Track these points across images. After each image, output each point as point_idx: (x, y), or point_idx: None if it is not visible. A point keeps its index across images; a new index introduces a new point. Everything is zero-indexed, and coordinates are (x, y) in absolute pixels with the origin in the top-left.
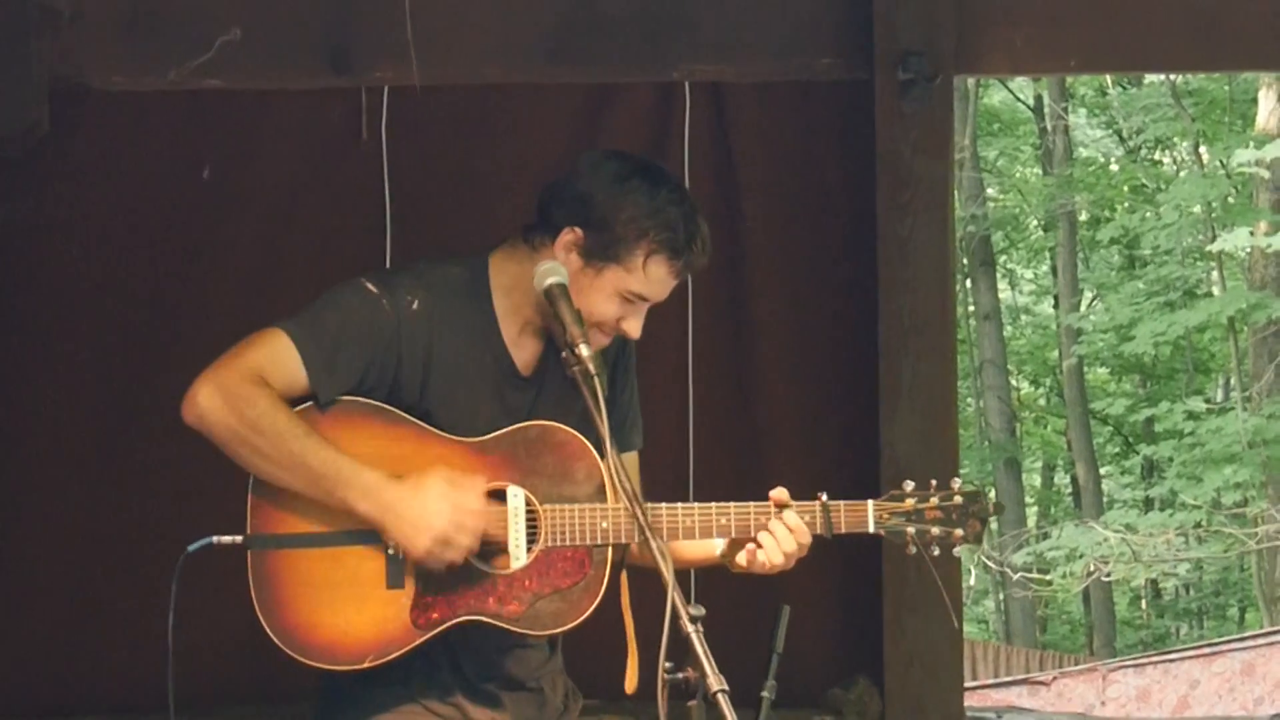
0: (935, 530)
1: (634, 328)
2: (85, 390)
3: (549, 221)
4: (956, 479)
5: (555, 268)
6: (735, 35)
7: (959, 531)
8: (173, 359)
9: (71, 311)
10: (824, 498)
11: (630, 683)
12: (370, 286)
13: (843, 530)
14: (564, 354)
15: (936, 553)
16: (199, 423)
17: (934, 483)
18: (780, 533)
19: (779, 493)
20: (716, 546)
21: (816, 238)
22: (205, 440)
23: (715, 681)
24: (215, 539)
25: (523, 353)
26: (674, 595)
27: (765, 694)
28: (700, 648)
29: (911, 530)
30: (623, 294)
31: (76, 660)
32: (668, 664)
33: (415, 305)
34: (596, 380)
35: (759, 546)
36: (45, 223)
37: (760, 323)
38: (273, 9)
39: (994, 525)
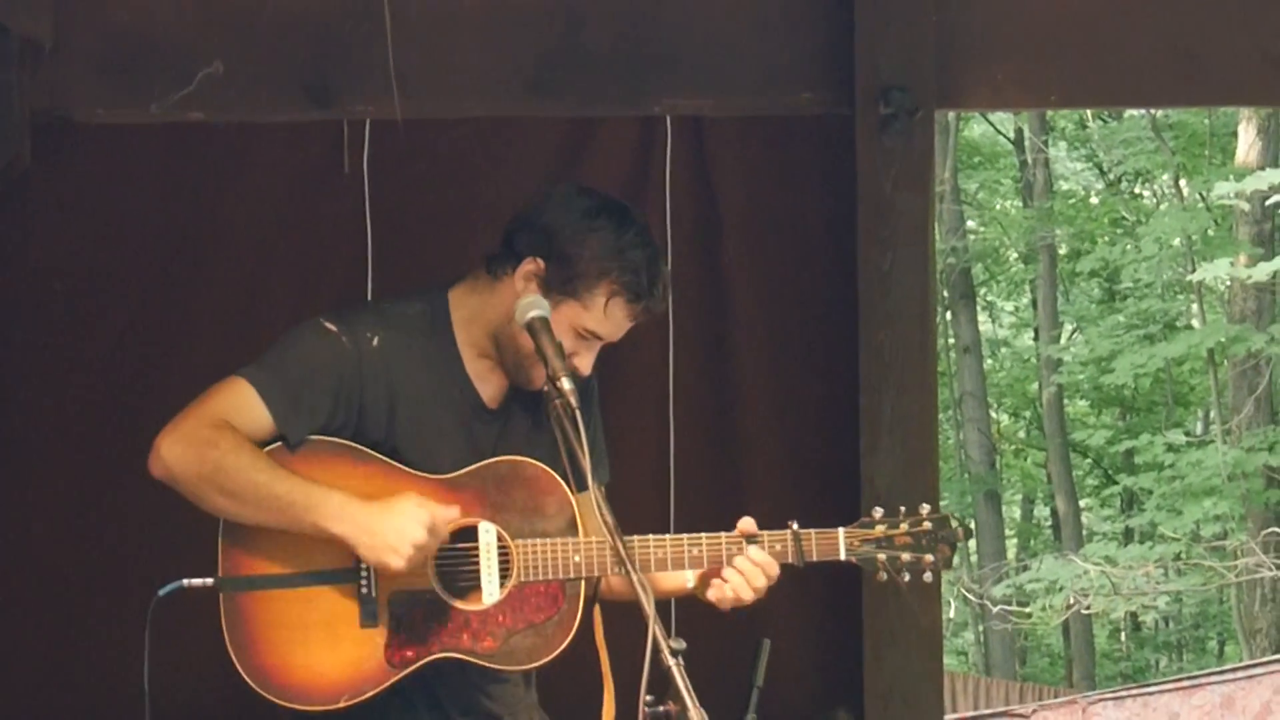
0: (906, 556)
1: (585, 364)
2: (66, 422)
3: (512, 250)
4: (925, 505)
5: (538, 300)
6: (716, 70)
7: (929, 557)
8: (154, 391)
9: (53, 345)
10: (795, 526)
11: (607, 717)
12: (329, 325)
13: (814, 558)
14: (545, 388)
15: (908, 579)
16: (165, 475)
17: (903, 509)
18: (747, 569)
19: (746, 523)
20: (688, 578)
21: (797, 271)
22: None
23: (696, 715)
24: (186, 581)
25: (488, 386)
26: (655, 628)
27: None
28: (681, 680)
29: (882, 557)
30: (578, 330)
31: (54, 689)
32: (649, 697)
33: (375, 342)
34: (579, 414)
35: (724, 582)
36: (26, 256)
37: (741, 356)
38: (254, 42)
39: (973, 558)
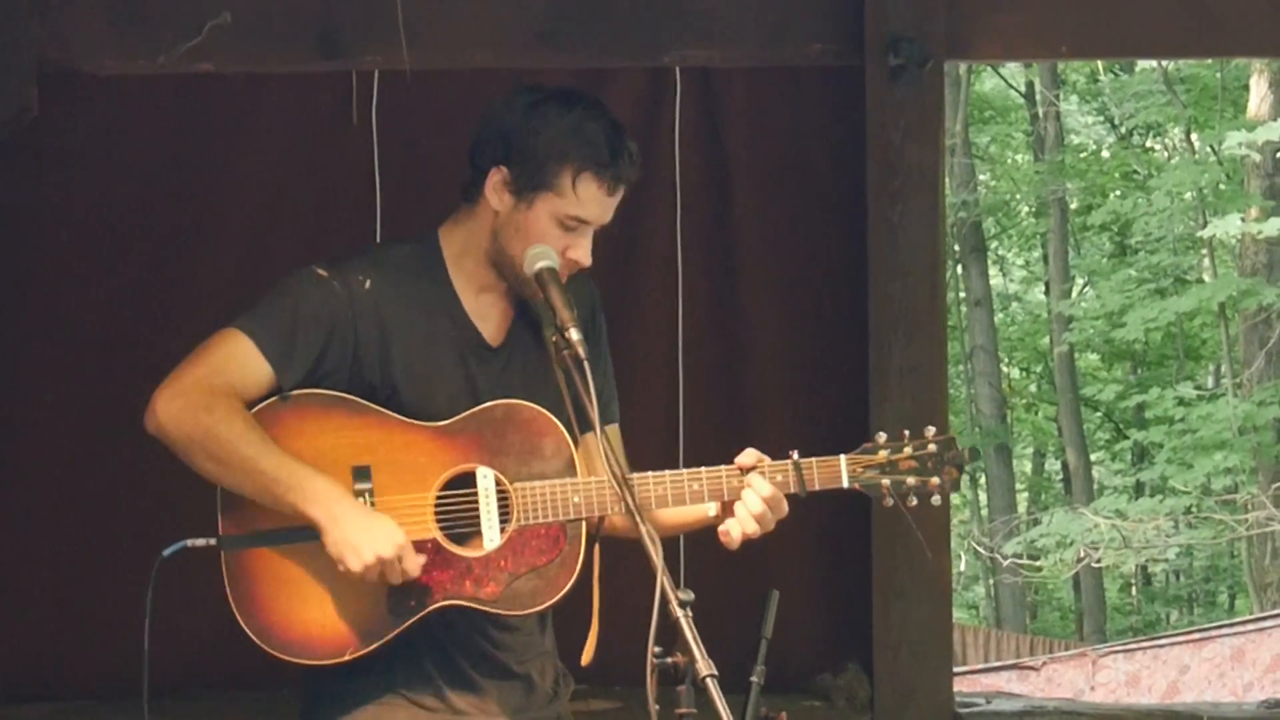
0: (911, 480)
1: (582, 254)
2: (73, 374)
3: (477, 170)
4: (930, 427)
5: (545, 251)
6: (726, 21)
7: (935, 480)
8: (162, 342)
9: (60, 295)
10: (795, 455)
11: (586, 655)
12: (320, 271)
13: (816, 487)
14: (554, 338)
15: (914, 503)
16: (158, 431)
17: (906, 433)
18: (747, 497)
19: (747, 455)
20: (710, 509)
21: (807, 223)
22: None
23: (704, 666)
24: (189, 542)
25: (488, 323)
26: (663, 580)
27: (754, 679)
28: (689, 632)
29: (886, 482)
30: (560, 220)
31: (59, 645)
32: (656, 648)
33: (368, 284)
34: (587, 365)
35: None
36: (34, 207)
37: (750, 307)
38: None
39: (984, 511)
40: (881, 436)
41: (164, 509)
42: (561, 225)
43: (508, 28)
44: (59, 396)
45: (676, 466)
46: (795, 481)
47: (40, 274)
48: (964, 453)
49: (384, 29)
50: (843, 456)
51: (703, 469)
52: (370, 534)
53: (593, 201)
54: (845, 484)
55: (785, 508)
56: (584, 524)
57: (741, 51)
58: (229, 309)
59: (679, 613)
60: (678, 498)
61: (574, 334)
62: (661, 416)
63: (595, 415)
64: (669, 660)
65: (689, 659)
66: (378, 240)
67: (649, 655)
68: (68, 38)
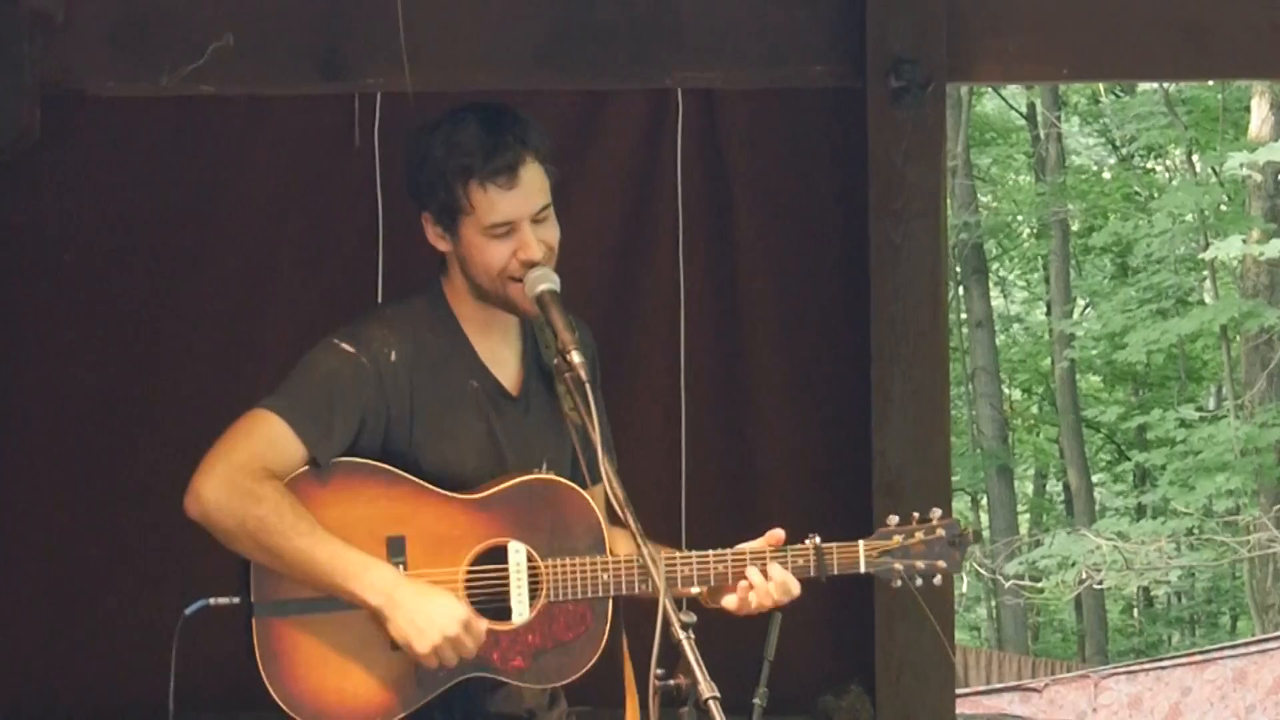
0: (920, 564)
1: (532, 251)
2: (76, 396)
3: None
4: (936, 509)
5: (546, 274)
6: (728, 43)
7: (941, 563)
8: (164, 365)
9: (63, 317)
10: (817, 540)
11: None
12: (345, 346)
13: (835, 572)
14: (555, 361)
15: (920, 584)
16: (203, 519)
17: (915, 516)
18: (761, 584)
19: (774, 536)
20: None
21: (808, 245)
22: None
23: (707, 688)
24: (212, 600)
25: (506, 369)
26: (665, 601)
27: (757, 701)
28: (692, 654)
29: (899, 567)
30: (487, 233)
31: (72, 665)
32: (659, 670)
33: (393, 356)
34: (588, 387)
35: (750, 587)
36: (36, 228)
37: (752, 329)
38: (265, 15)
39: (986, 533)
40: (893, 520)
41: (179, 524)
42: (492, 236)
43: (509, 50)
44: (61, 417)
45: (679, 483)
46: (816, 566)
47: (42, 295)
48: (968, 535)
49: (386, 51)
50: (861, 543)
51: (728, 551)
52: (433, 616)
53: (496, 203)
54: (863, 569)
55: (796, 591)
56: (610, 602)
57: (743, 73)
58: (232, 329)
59: (681, 635)
60: (703, 579)
61: (575, 356)
62: (664, 439)
63: (598, 436)
64: (672, 682)
65: (691, 681)
66: (379, 262)
67: (651, 677)
68: (70, 59)
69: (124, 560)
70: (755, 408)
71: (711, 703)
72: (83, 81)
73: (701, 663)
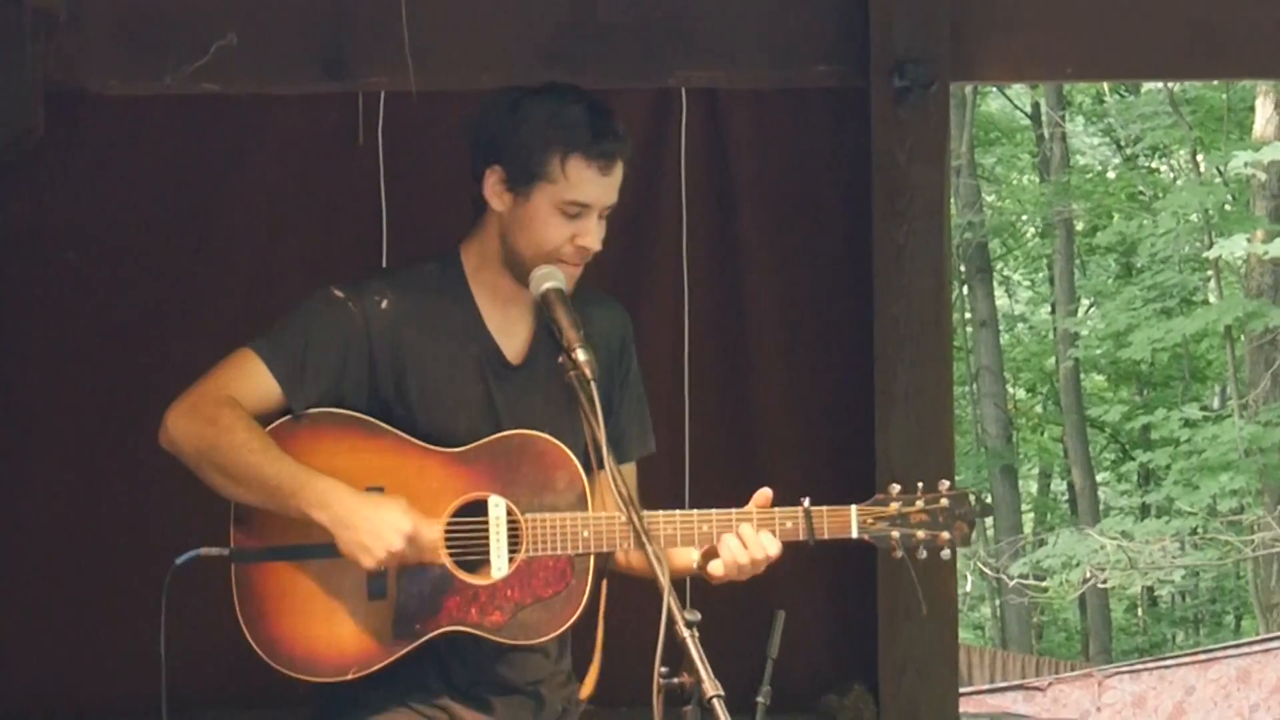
0: (920, 534)
1: (590, 240)
2: (80, 394)
3: (476, 177)
4: (944, 481)
5: (552, 272)
6: (732, 42)
7: (945, 534)
8: (168, 362)
9: (67, 315)
10: (806, 503)
11: (586, 690)
12: (336, 292)
13: (825, 536)
14: (560, 358)
15: (923, 556)
16: (170, 446)
17: (920, 485)
18: (734, 545)
19: (761, 496)
20: (694, 557)
21: (812, 244)
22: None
23: (710, 687)
24: (203, 551)
25: (512, 340)
26: (670, 600)
27: (760, 699)
28: (696, 652)
29: (896, 535)
30: (560, 207)
31: (71, 663)
32: (663, 669)
33: (384, 304)
34: (593, 386)
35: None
36: (40, 226)
37: (755, 329)
38: (269, 14)
39: (989, 532)
40: (895, 488)
41: (175, 526)
42: (563, 213)
43: (514, 49)
44: (66, 415)
45: (683, 485)
46: (805, 529)
47: (46, 293)
48: (976, 507)
49: (390, 50)
50: (853, 507)
51: (713, 511)
52: (376, 530)
53: (587, 183)
54: (854, 534)
55: (774, 551)
56: (592, 559)
57: (747, 73)
58: (236, 327)
59: (685, 633)
60: (686, 538)
61: (580, 354)
62: (667, 437)
63: (602, 434)
64: (675, 680)
65: (695, 679)
66: (384, 261)
67: (655, 675)
68: (73, 57)
69: (124, 560)
70: (758, 406)
71: (715, 701)
72: (86, 80)
73: (705, 661)
